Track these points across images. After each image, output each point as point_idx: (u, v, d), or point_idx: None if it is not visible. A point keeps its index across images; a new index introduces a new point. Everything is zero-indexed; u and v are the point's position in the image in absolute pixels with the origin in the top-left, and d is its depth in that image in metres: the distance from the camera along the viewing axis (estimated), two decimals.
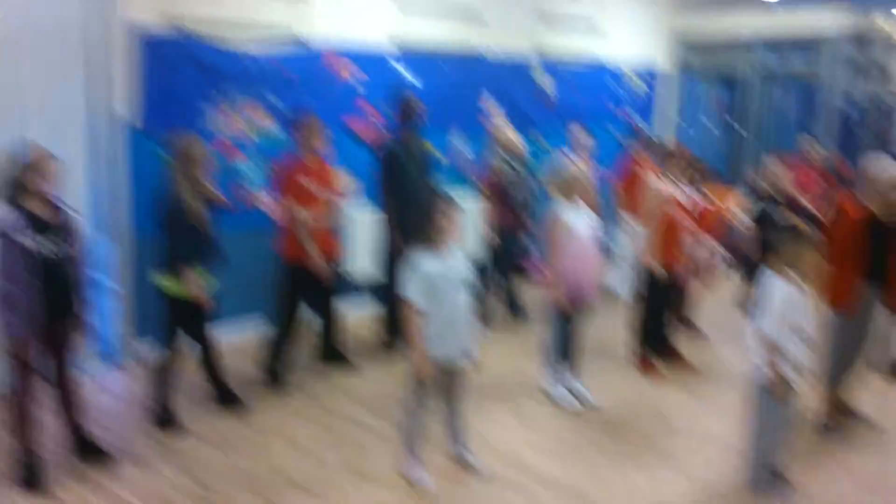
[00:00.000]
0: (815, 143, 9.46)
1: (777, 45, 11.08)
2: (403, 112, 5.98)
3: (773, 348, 3.87)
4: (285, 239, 5.43)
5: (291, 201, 5.29)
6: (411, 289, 3.94)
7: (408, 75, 7.30)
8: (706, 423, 5.00)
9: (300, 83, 6.50)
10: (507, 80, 8.39)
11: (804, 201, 8.91)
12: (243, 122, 6.24)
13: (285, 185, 5.34)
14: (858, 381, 4.97)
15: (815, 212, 8.92)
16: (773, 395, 3.91)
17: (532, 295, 7.80)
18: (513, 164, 6.69)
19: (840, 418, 4.90)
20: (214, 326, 5.02)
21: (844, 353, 4.78)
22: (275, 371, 5.51)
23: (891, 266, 4.75)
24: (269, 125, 6.39)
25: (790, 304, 3.87)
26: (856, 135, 10.64)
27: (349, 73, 6.85)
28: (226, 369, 5.13)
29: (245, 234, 6.06)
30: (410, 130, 6.00)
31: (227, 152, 6.14)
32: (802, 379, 3.95)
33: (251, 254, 6.06)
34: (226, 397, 5.09)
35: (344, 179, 5.67)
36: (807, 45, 10.79)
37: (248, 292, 6.19)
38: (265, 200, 6.06)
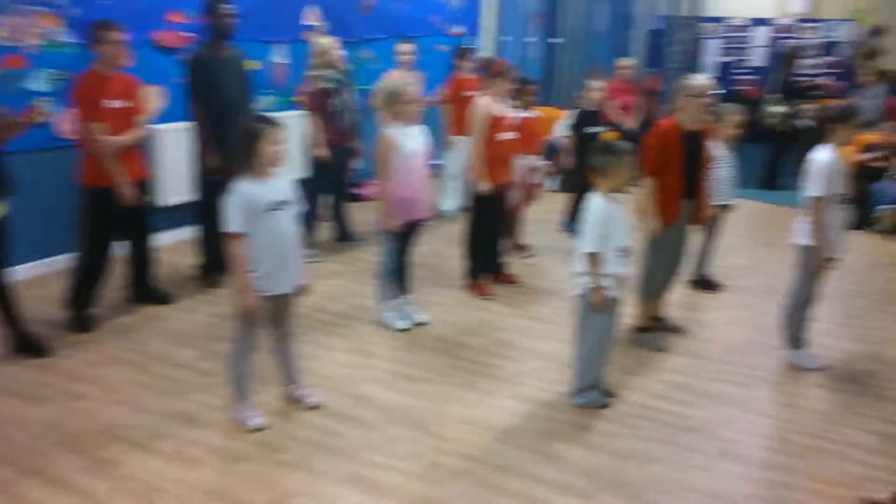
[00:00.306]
0: (628, 57, 9.73)
1: None
2: (211, 17, 5.50)
3: (593, 262, 3.93)
4: (86, 161, 4.92)
5: (91, 119, 4.78)
6: (233, 218, 3.64)
7: None
8: (538, 342, 5.08)
9: None
10: None
11: (618, 114, 9.22)
12: (33, 31, 5.53)
13: (83, 101, 4.80)
14: (670, 291, 5.21)
15: (628, 124, 9.28)
16: (594, 307, 3.98)
17: (362, 215, 7.64)
18: (335, 78, 6.36)
19: (653, 326, 5.11)
20: (7, 262, 4.49)
21: (662, 265, 4.96)
22: (82, 311, 5.05)
23: (699, 180, 4.95)
24: (64, 35, 5.72)
25: (607, 217, 3.93)
26: (664, 50, 11.04)
27: None
28: (24, 311, 4.64)
29: (41, 156, 5.44)
30: (220, 37, 5.54)
31: (14, 65, 5.44)
32: (621, 291, 4.05)
33: (48, 178, 5.48)
34: (26, 344, 4.61)
35: (150, 94, 5.17)
36: None
37: (46, 222, 5.62)
38: (60, 118, 5.45)
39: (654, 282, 5.01)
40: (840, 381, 4.58)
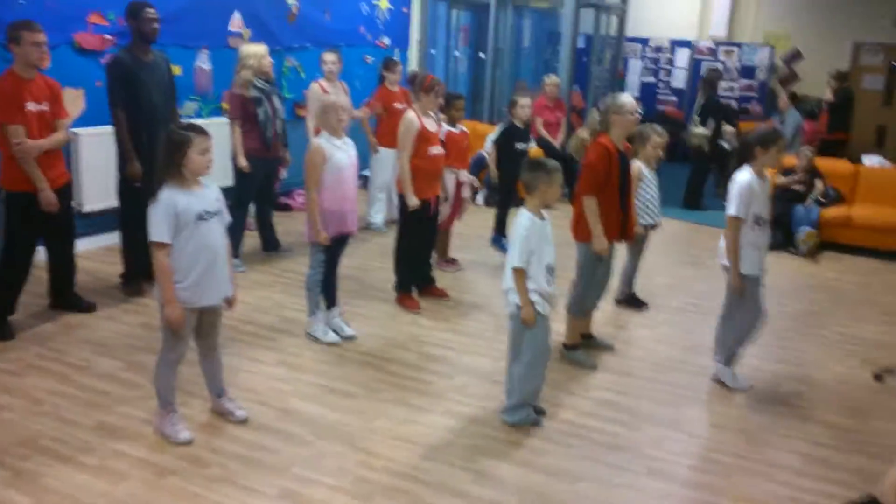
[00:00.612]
0: (553, 74, 9.86)
1: None
2: (133, 21, 5.35)
3: (521, 278, 3.93)
4: (6, 165, 4.74)
5: (9, 122, 4.60)
6: (159, 228, 3.53)
7: None
8: (467, 356, 5.07)
9: None
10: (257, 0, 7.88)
11: (543, 131, 9.35)
12: None
13: (2, 104, 4.61)
14: (597, 308, 5.29)
15: (552, 140, 9.41)
16: (524, 324, 3.98)
17: (290, 225, 7.55)
18: (262, 87, 6.24)
19: (581, 342, 5.16)
20: None
21: (595, 282, 5.01)
22: (1, 318, 4.85)
23: (629, 198, 5.05)
24: None
25: (535, 234, 3.94)
26: (589, 68, 11.23)
27: None
28: None
29: None
30: (143, 41, 5.39)
31: None
32: (550, 307, 4.05)
33: None
34: None
35: (71, 97, 4.99)
36: None
37: None
38: None
39: (587, 298, 5.06)
40: (765, 402, 4.67)
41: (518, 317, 4.00)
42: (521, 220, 3.99)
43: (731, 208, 4.53)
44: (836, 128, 10.75)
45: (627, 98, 4.92)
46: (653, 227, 5.97)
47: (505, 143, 7.13)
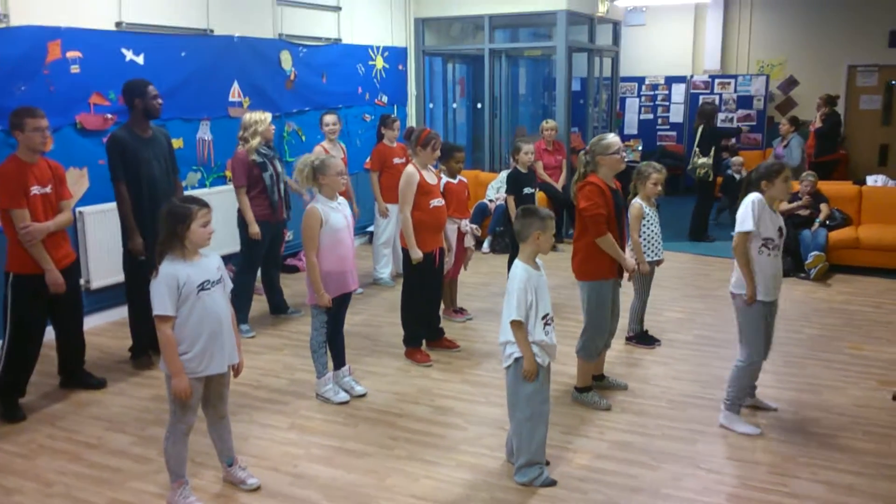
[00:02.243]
0: (551, 119, 9.95)
1: (513, 25, 11.52)
2: (135, 99, 5.46)
3: (520, 330, 3.89)
4: (12, 249, 4.80)
5: (14, 207, 4.67)
6: (161, 301, 3.55)
7: (138, 60, 6.72)
8: (480, 407, 5.03)
9: (14, 74, 5.76)
10: (253, 65, 8.02)
11: (545, 174, 9.40)
12: None
13: (6, 189, 4.68)
14: (609, 346, 5.22)
15: (554, 184, 9.46)
16: (524, 377, 3.92)
17: (298, 287, 7.57)
18: (265, 152, 6.33)
19: (593, 384, 5.11)
20: None
21: (602, 322, 4.98)
22: (10, 399, 4.86)
23: (623, 235, 5.05)
24: None
25: (531, 284, 3.89)
26: (585, 111, 11.33)
27: (77, 67, 6.18)
28: None
29: None
30: (144, 117, 5.49)
31: None
32: (549, 358, 3.99)
33: None
34: None
35: (75, 176, 5.07)
36: (540, 25, 11.31)
37: None
38: None
39: (597, 340, 5.01)
40: (784, 432, 4.60)
41: (517, 371, 3.94)
42: (517, 271, 3.94)
43: (742, 224, 4.45)
44: (823, 152, 10.81)
45: (613, 138, 4.94)
46: (658, 262, 5.97)
47: (514, 190, 7.18)
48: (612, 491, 3.97)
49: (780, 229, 4.55)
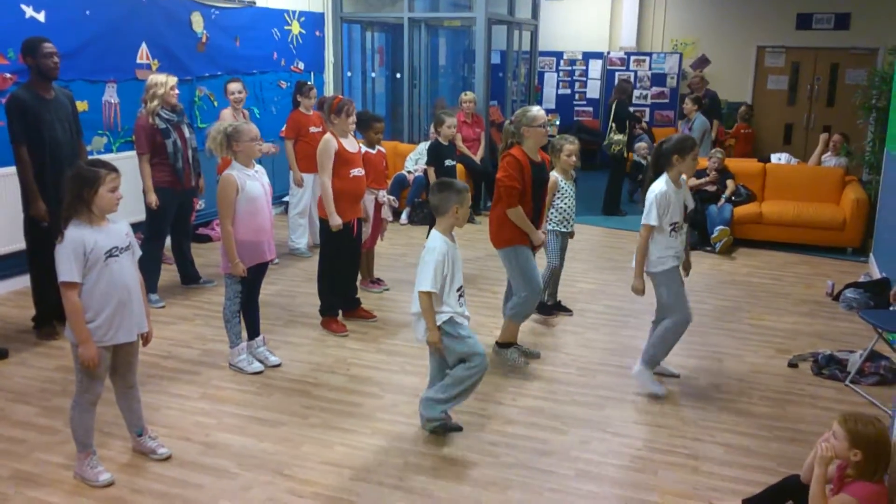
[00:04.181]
0: (470, 91, 9.97)
1: None
2: (31, 58, 5.23)
3: (430, 301, 3.92)
4: None
5: None
6: (67, 267, 3.44)
7: (39, 17, 6.43)
8: (395, 376, 5.06)
9: None
10: (163, 26, 7.77)
11: (463, 147, 9.44)
12: None
13: None
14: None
15: (472, 156, 9.52)
16: (431, 345, 3.99)
17: (211, 256, 7.45)
18: (168, 117, 6.13)
19: (513, 343, 5.24)
20: None
21: (534, 281, 5.07)
22: None
23: (542, 208, 5.19)
24: None
25: (447, 257, 3.94)
26: (504, 84, 11.39)
27: None
28: None
29: None
30: (43, 78, 5.27)
31: None
32: (466, 329, 4.05)
33: None
34: None
35: None
36: None
37: None
38: None
39: (532, 301, 5.12)
40: (687, 397, 4.79)
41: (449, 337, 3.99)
42: (436, 243, 3.96)
43: (647, 217, 4.62)
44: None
45: (539, 111, 5.02)
46: (569, 234, 6.08)
47: (434, 161, 7.18)
48: (523, 454, 4.06)
49: (685, 207, 4.73)
